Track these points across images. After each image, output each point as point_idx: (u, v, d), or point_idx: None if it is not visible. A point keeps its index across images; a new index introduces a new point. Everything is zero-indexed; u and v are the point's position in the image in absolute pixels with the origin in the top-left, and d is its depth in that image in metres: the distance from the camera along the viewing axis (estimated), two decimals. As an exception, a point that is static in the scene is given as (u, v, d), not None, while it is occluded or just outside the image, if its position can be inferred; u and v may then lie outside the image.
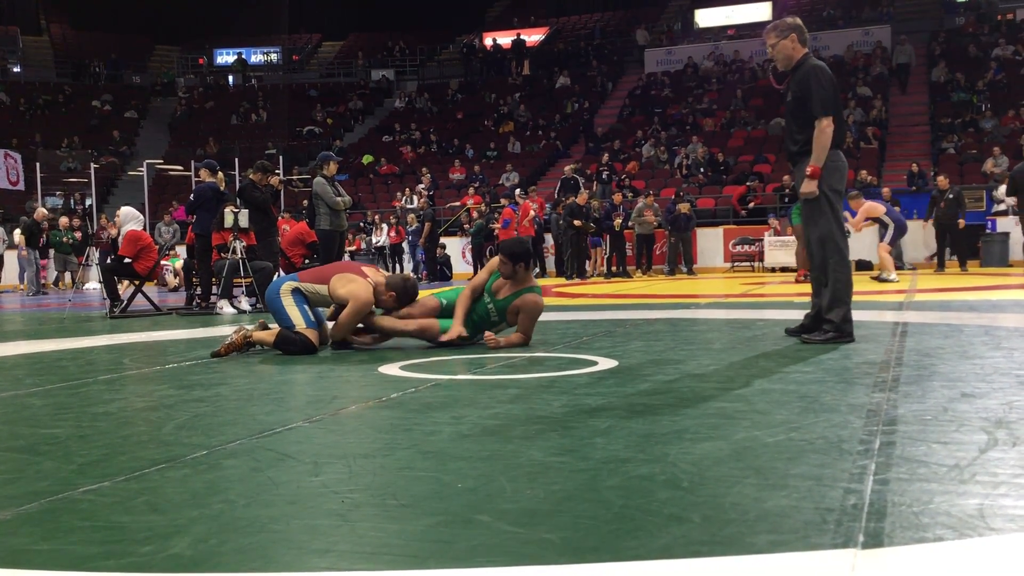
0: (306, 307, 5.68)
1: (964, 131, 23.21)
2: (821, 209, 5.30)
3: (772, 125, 25.19)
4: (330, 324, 5.93)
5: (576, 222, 17.87)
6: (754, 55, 29.85)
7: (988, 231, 18.18)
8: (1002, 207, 18.38)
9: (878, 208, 13.34)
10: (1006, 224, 18.19)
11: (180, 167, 27.29)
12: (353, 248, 20.58)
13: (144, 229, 11.66)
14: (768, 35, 5.56)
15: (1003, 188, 18.28)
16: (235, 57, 40.03)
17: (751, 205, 20.83)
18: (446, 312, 5.84)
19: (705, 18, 34.91)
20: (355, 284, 5.64)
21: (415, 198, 23.06)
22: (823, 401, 3.39)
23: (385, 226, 21.97)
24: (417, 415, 3.36)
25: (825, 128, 5.23)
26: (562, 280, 17.56)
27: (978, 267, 17.19)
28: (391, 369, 4.69)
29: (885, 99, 25.63)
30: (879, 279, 12.66)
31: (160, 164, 29.05)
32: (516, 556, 1.81)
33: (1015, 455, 2.49)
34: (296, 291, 5.70)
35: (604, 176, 23.18)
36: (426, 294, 6.11)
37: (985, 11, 29.88)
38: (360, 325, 5.86)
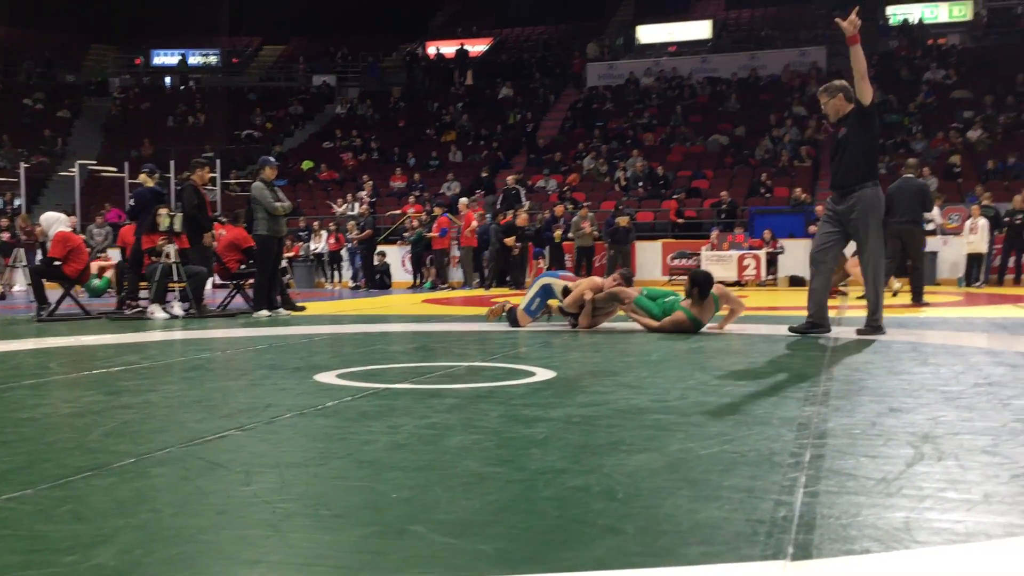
0: (539, 298, 7.64)
1: (896, 152, 23.77)
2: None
3: (710, 142, 25.57)
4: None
5: (507, 241, 18.10)
6: (694, 72, 30.26)
7: (917, 250, 18.60)
8: (930, 227, 18.85)
9: None
10: (934, 243, 18.66)
11: (114, 168, 26.70)
12: (291, 254, 20.34)
13: (73, 231, 11.39)
14: (820, 96, 6.90)
15: (936, 210, 18.76)
16: (174, 58, 39.38)
17: (681, 221, 21.23)
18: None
19: (647, 34, 35.30)
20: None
21: (356, 205, 22.90)
22: (756, 414, 3.44)
23: (324, 232, 21.78)
24: (353, 424, 3.32)
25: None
26: (503, 290, 17.57)
27: (907, 285, 17.59)
28: (327, 377, 4.64)
29: (820, 119, 26.15)
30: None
31: (93, 165, 28.41)
32: (450, 567, 1.80)
33: (940, 469, 2.55)
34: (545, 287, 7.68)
35: (538, 186, 23.40)
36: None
37: (917, 35, 30.72)
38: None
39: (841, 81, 6.91)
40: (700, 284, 6.95)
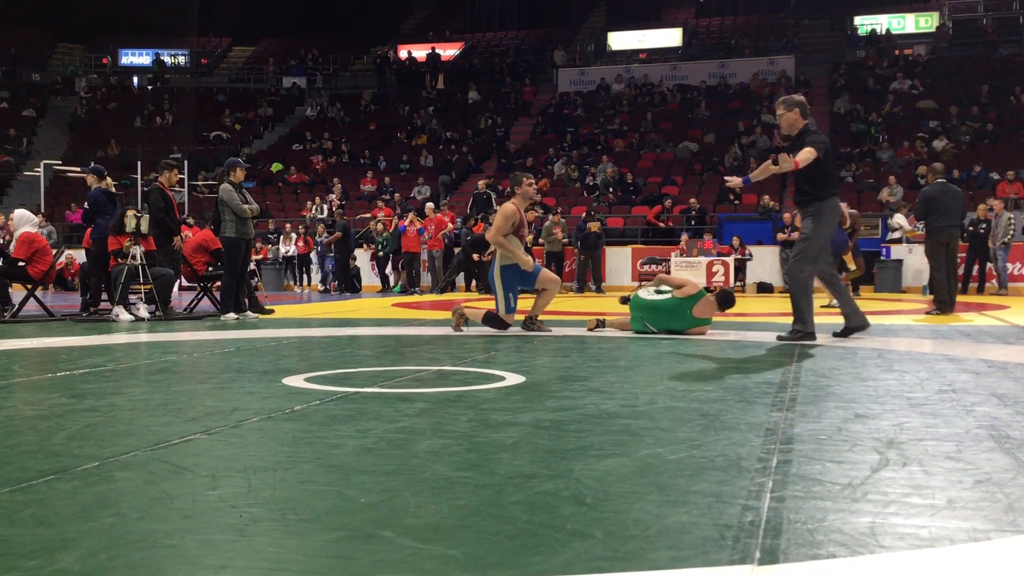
0: (511, 294, 7.51)
1: (862, 161, 24.04)
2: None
3: (680, 148, 25.72)
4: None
5: (475, 256, 18.12)
6: (664, 79, 30.43)
7: (883, 258, 18.84)
8: (896, 235, 19.08)
9: None
10: (899, 251, 18.89)
11: (79, 169, 26.40)
12: (260, 257, 20.20)
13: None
14: (778, 106, 7.08)
15: (898, 217, 18.98)
16: (142, 58, 38.98)
17: (663, 226, 21.30)
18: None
19: (618, 41, 35.45)
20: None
21: (325, 208, 22.80)
22: (724, 419, 3.46)
23: (293, 235, 21.65)
24: (321, 428, 3.30)
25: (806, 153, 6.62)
26: (472, 294, 17.56)
27: (872, 292, 17.81)
28: (295, 381, 4.61)
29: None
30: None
31: (58, 165, 28.07)
32: (418, 572, 1.79)
33: (905, 475, 2.58)
34: (504, 268, 7.47)
35: (508, 191, 23.36)
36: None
37: (884, 46, 31.10)
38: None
39: (800, 97, 7.19)
40: (724, 298, 7.39)
